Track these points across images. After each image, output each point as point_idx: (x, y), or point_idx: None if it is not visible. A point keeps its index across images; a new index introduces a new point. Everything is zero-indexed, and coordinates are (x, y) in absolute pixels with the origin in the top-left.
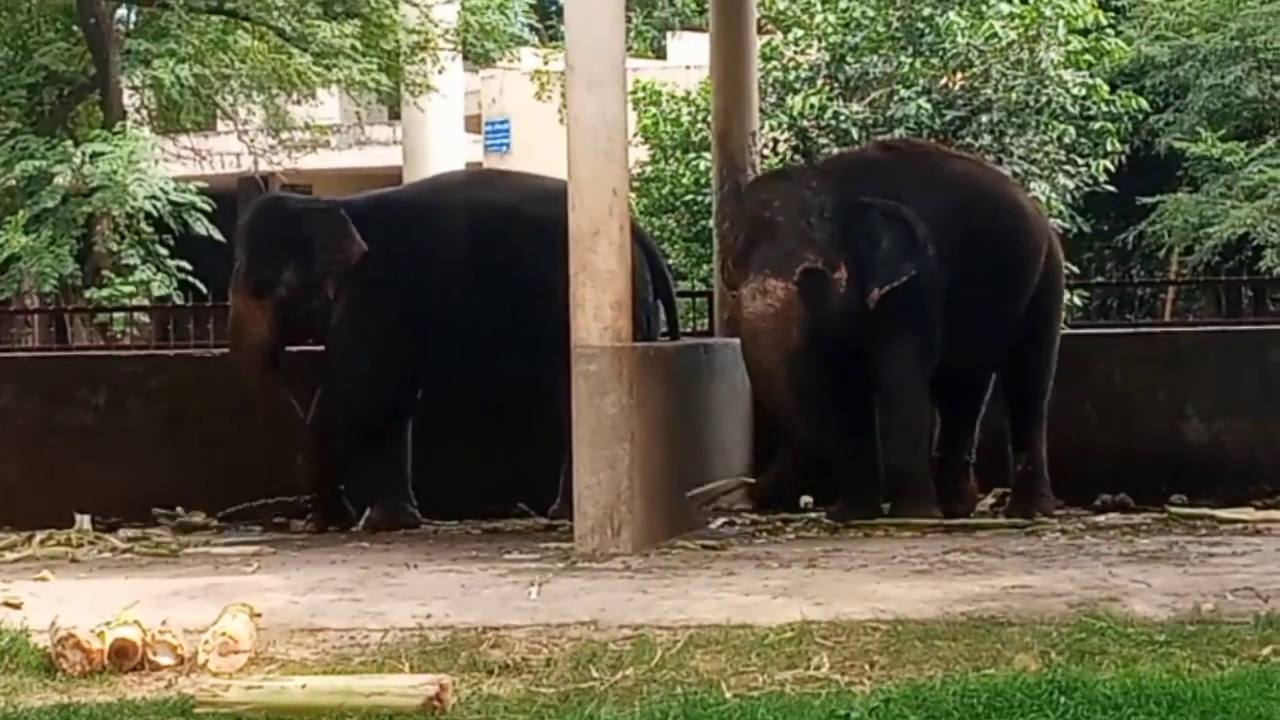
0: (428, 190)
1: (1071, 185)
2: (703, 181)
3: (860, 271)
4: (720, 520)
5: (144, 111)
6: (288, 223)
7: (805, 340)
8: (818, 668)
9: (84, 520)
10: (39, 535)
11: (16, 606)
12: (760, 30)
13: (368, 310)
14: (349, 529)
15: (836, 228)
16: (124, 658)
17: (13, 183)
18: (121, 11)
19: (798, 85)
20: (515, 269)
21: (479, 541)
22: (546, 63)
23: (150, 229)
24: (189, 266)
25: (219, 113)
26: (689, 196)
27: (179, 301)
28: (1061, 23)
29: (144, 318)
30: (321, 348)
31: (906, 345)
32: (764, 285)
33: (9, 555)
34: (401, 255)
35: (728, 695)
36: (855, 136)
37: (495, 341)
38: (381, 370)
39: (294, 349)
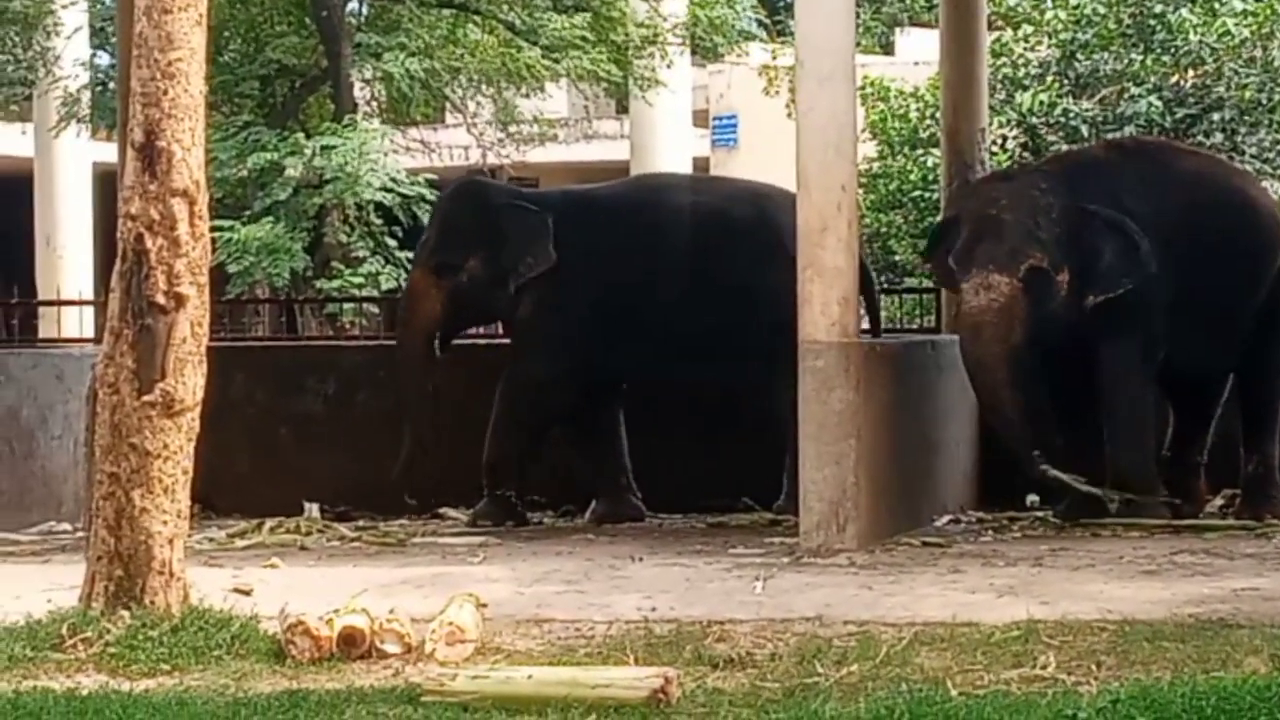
0: (628, 190)
1: None
2: (930, 178)
3: (1080, 277)
4: (945, 518)
5: (374, 104)
6: (485, 212)
7: (1027, 337)
8: (1043, 667)
9: (313, 509)
10: (269, 523)
11: (247, 593)
12: (990, 26)
13: (556, 308)
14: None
15: (1062, 231)
16: (352, 645)
17: (245, 174)
18: (353, 5)
19: (1027, 82)
20: (718, 271)
21: (704, 535)
22: (775, 58)
23: (379, 221)
24: None
25: (448, 105)
26: (916, 193)
27: None
28: None
29: (373, 308)
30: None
31: (1128, 345)
32: (987, 280)
33: (239, 542)
34: (596, 254)
35: (953, 693)
36: (1085, 134)
37: (698, 343)
38: (564, 369)
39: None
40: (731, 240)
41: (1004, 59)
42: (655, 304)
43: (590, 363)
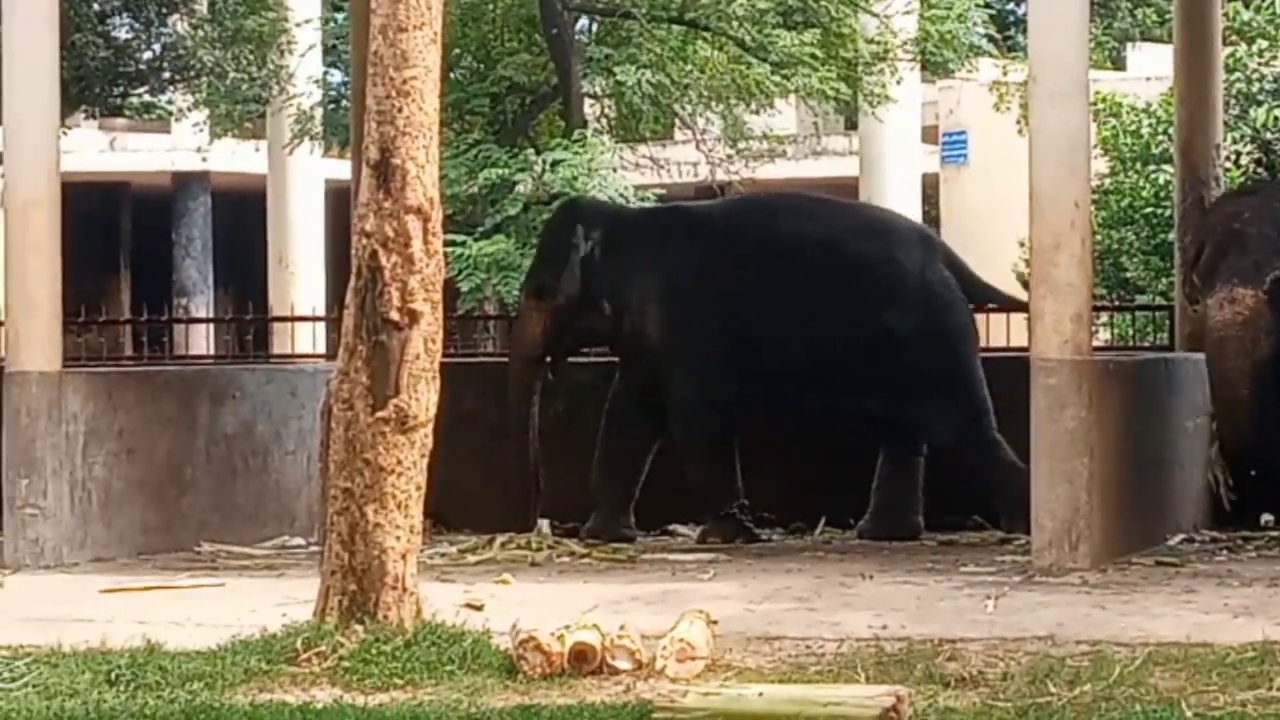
0: (741, 211)
1: None
2: (1162, 194)
3: None
4: (1178, 537)
5: (603, 120)
6: (581, 231)
7: (1274, 350)
8: None
9: (543, 524)
10: (499, 539)
11: (478, 608)
12: (1224, 41)
13: (689, 323)
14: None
15: None
16: (583, 661)
17: (475, 191)
18: (583, 22)
19: (1261, 97)
20: (836, 305)
21: (934, 553)
22: (1005, 74)
23: None
24: None
25: (677, 122)
26: (1148, 209)
27: None
28: None
29: None
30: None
31: None
32: (1232, 294)
33: (470, 558)
34: (714, 272)
35: (1188, 714)
36: None
37: (814, 372)
38: (715, 377)
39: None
40: (853, 276)
41: (1238, 74)
42: (773, 331)
43: (732, 378)
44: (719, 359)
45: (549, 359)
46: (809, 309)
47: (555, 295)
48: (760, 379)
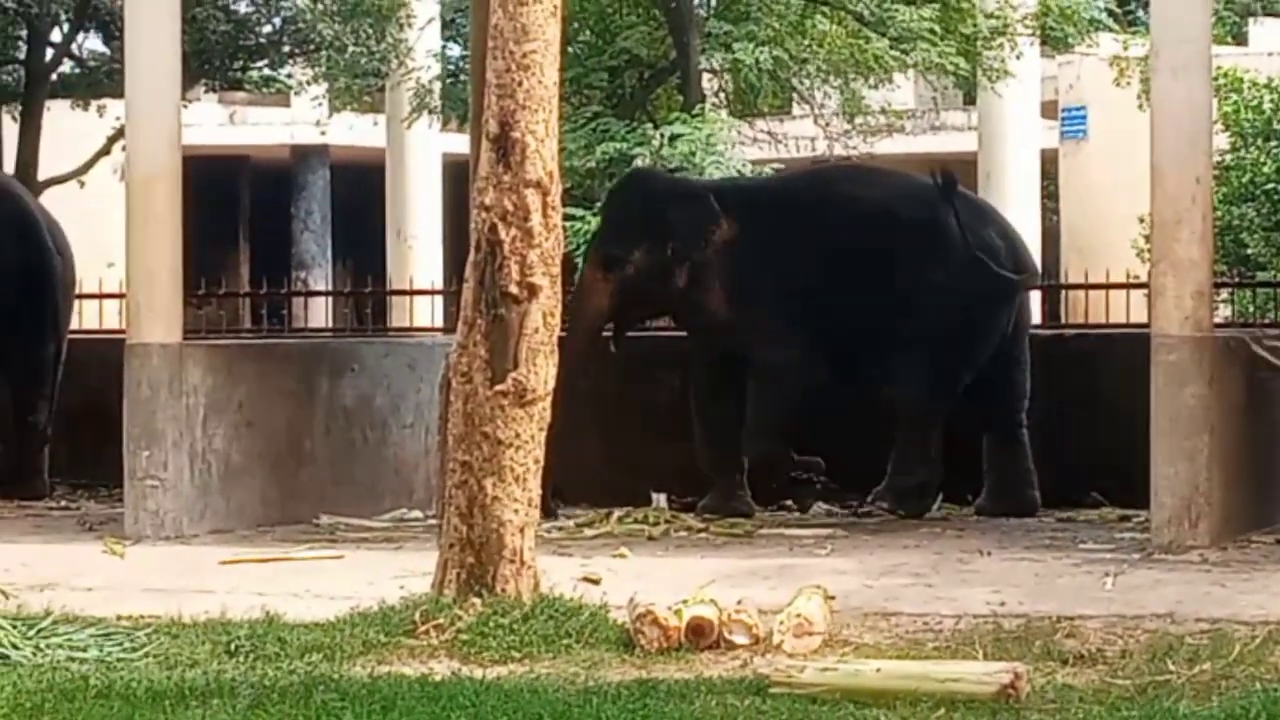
0: (804, 183)
1: None
2: None
3: None
4: None
5: (721, 95)
6: (650, 201)
7: None
8: None
9: (660, 499)
10: (616, 513)
11: (596, 582)
12: None
13: (754, 295)
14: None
15: None
16: (700, 635)
17: (593, 165)
18: None
19: None
20: (886, 269)
21: (1053, 530)
22: (1126, 48)
23: None
24: None
25: (795, 96)
26: (1269, 185)
27: None
28: None
29: None
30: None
31: None
32: None
33: (587, 532)
34: (773, 244)
35: None
36: None
37: (865, 338)
38: (795, 351)
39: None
40: (902, 239)
41: None
42: (826, 296)
43: (810, 342)
44: (789, 326)
45: (611, 331)
46: (858, 276)
47: (624, 266)
48: (820, 347)
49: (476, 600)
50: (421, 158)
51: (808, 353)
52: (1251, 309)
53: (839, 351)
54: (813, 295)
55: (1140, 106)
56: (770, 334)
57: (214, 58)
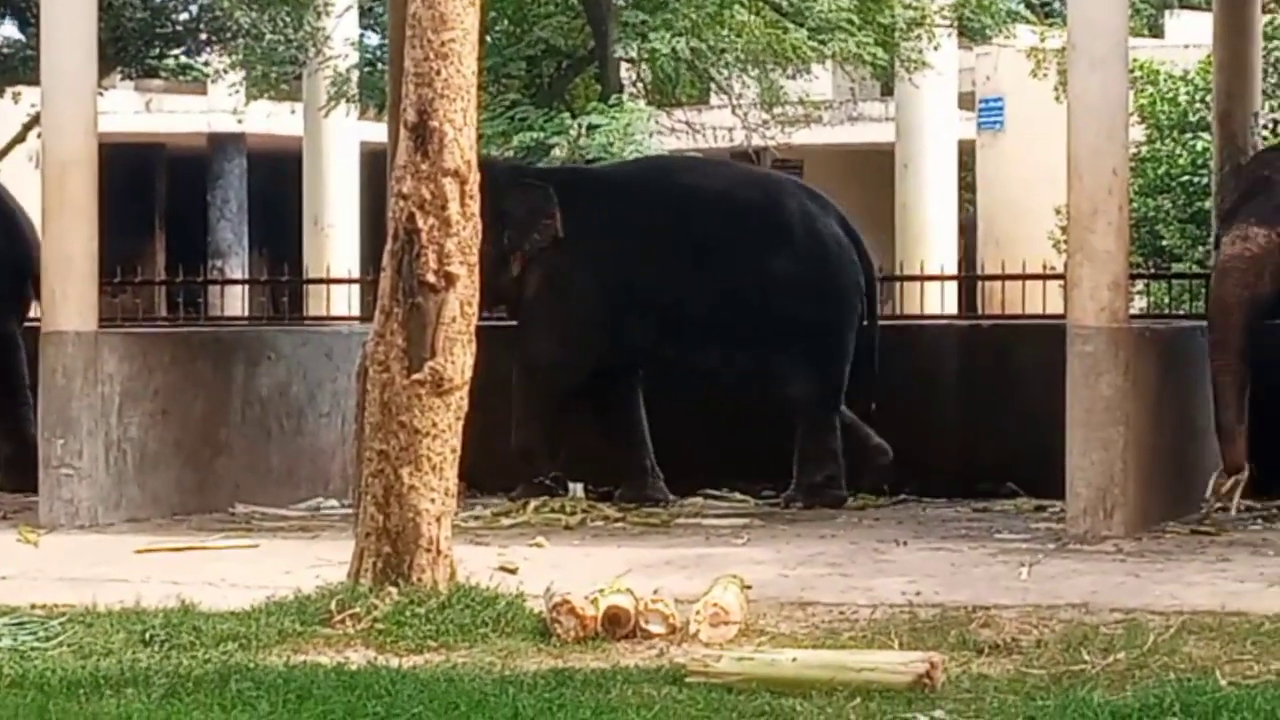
0: (636, 171)
1: None
2: (1199, 162)
3: None
4: (1214, 505)
5: (639, 85)
6: (491, 191)
7: (1273, 292)
8: None
9: (577, 488)
10: (533, 502)
11: (512, 571)
12: (1263, 9)
13: (563, 288)
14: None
15: None
16: (617, 625)
17: (511, 154)
18: None
19: None
20: (725, 256)
21: (969, 521)
22: (1043, 40)
23: None
24: None
25: (713, 87)
26: (1185, 177)
27: None
28: None
29: None
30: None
31: None
32: (1246, 232)
33: (504, 521)
34: (601, 234)
35: (1222, 682)
36: None
37: (712, 328)
38: (572, 350)
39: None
40: (738, 225)
41: (1276, 41)
42: (662, 287)
43: (599, 343)
44: (588, 320)
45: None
46: (694, 265)
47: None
48: (646, 338)
49: (393, 589)
50: (339, 146)
51: (586, 352)
52: (1167, 300)
53: (688, 344)
54: (644, 288)
55: (1057, 98)
56: (548, 329)
57: (130, 45)
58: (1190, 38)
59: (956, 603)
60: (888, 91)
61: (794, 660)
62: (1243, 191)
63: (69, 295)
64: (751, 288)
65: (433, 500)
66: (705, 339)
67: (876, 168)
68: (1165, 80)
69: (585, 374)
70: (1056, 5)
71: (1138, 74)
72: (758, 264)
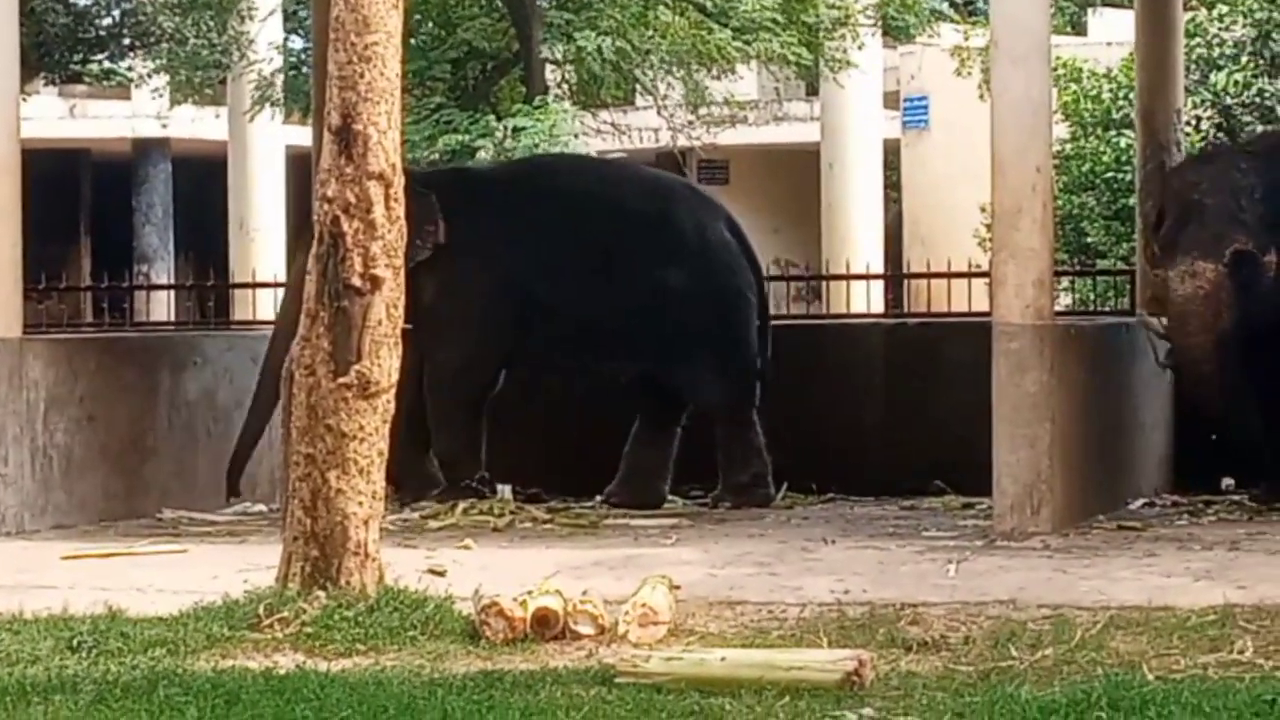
0: (526, 173)
1: None
2: (1123, 159)
3: None
4: (1139, 501)
5: (565, 86)
6: None
7: (1234, 322)
8: (1241, 652)
9: (505, 490)
10: (461, 505)
11: (441, 574)
12: (1185, 6)
13: (456, 291)
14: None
15: (1266, 210)
16: (546, 626)
17: (437, 157)
18: None
19: (1222, 62)
20: (616, 263)
21: (897, 518)
22: (967, 39)
23: None
24: None
25: (638, 88)
26: (1109, 174)
27: None
28: None
29: None
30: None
31: None
32: (1193, 268)
33: (432, 524)
34: (495, 237)
35: (1149, 677)
36: None
37: (604, 334)
38: (474, 351)
39: None
40: (631, 234)
41: (1198, 39)
42: (557, 292)
43: (502, 343)
44: (484, 321)
45: None
46: (586, 269)
47: None
48: (538, 343)
49: (321, 593)
50: (264, 150)
51: (488, 353)
52: (1092, 297)
53: (594, 353)
54: (542, 293)
55: (981, 96)
56: (449, 335)
57: (53, 50)
58: (1113, 35)
59: (884, 600)
60: (813, 91)
61: (723, 660)
62: (1176, 216)
63: None
64: (647, 297)
65: (360, 503)
66: (610, 347)
67: (802, 167)
68: (1088, 78)
69: (493, 374)
70: (980, 4)
71: (1061, 72)
72: (650, 275)
